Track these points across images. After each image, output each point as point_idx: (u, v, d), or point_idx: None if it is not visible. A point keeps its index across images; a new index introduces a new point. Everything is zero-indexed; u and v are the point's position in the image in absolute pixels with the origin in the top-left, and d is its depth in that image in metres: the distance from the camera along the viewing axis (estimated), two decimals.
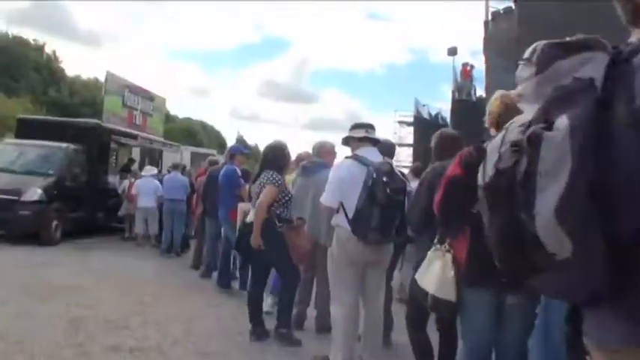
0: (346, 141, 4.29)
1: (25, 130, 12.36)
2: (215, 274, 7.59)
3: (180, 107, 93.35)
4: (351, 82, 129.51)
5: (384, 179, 3.82)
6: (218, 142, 55.64)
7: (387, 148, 4.72)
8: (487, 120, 2.95)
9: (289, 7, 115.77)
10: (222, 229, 7.42)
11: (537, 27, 14.24)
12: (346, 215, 3.89)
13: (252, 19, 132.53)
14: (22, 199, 9.84)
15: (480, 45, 19.20)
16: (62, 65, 48.66)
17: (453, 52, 23.35)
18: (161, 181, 10.88)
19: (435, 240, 3.02)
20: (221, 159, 8.76)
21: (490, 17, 17.88)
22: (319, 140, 5.66)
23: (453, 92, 22.45)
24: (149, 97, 16.70)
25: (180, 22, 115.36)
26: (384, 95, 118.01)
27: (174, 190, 10.10)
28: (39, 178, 10.42)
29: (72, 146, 11.40)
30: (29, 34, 46.52)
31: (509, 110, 2.80)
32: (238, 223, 5.74)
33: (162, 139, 16.67)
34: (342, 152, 5.62)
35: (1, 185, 9.95)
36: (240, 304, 6.07)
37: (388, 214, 3.82)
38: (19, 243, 9.50)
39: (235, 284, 7.20)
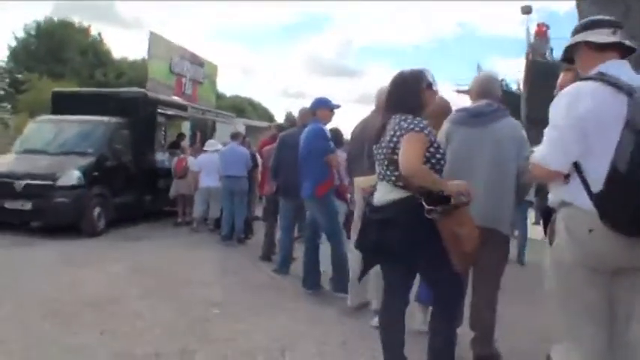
0: (570, 51, 2.32)
1: (61, 105, 10.73)
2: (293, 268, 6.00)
3: (228, 86, 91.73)
4: (398, 56, 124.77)
5: None
6: (267, 118, 54.30)
7: None
8: None
9: None
10: (307, 212, 5.51)
11: None
12: (587, 186, 2.02)
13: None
14: (58, 184, 8.39)
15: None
16: (108, 48, 47.79)
17: (527, 10, 21.11)
18: None
19: None
20: None
21: None
22: (483, 72, 3.58)
23: (528, 53, 20.51)
24: (199, 62, 14.60)
25: (224, 3, 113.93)
26: (432, 69, 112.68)
27: (234, 164, 8.33)
28: (77, 158, 8.91)
29: (113, 120, 9.81)
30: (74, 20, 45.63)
31: None
32: (357, 210, 3.78)
33: (215, 110, 14.69)
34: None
35: (34, 169, 8.55)
36: (346, 320, 4.22)
37: None
38: (57, 235, 8.03)
39: (325, 284, 5.36)
